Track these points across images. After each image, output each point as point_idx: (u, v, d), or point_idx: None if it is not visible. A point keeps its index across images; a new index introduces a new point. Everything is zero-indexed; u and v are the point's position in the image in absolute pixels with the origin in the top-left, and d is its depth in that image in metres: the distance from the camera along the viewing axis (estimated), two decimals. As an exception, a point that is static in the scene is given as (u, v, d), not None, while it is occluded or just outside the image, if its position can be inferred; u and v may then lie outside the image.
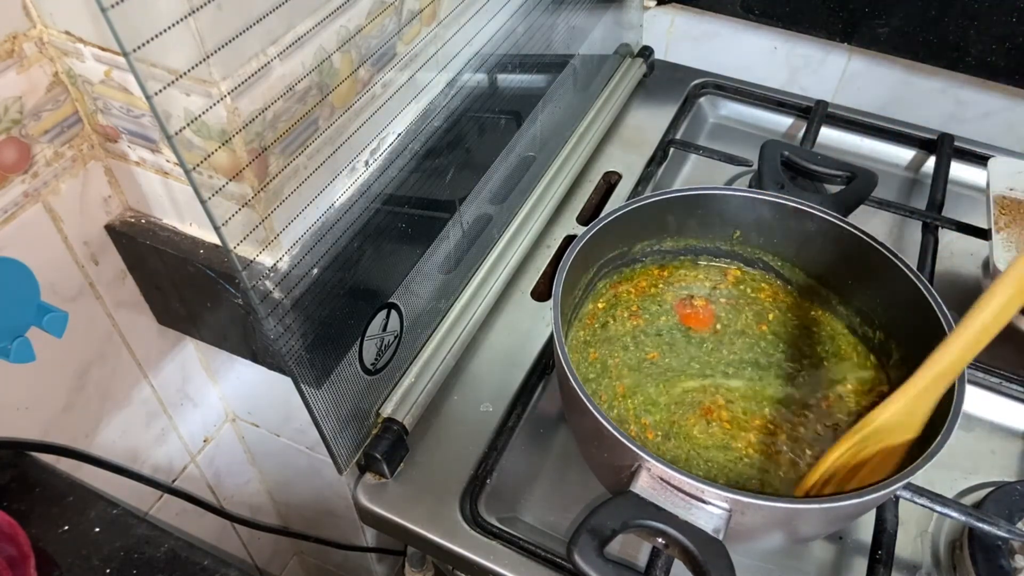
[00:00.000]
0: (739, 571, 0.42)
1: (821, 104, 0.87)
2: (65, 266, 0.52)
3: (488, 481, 0.59)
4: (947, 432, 0.46)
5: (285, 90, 0.44)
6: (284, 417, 0.71)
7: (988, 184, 0.73)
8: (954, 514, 0.53)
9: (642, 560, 0.55)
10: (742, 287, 0.65)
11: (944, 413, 0.47)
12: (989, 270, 0.67)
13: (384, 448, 0.58)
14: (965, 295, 0.73)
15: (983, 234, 0.72)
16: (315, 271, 0.49)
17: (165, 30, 0.35)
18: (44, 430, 0.55)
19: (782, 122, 0.91)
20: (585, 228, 0.57)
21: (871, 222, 0.77)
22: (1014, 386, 0.64)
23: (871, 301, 0.59)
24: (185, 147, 0.44)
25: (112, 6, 0.32)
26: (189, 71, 0.39)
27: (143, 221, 0.54)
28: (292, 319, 0.47)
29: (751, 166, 0.81)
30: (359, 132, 0.52)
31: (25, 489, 0.49)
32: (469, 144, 0.63)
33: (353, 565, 0.95)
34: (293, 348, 0.48)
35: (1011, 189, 0.72)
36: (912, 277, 0.54)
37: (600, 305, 0.63)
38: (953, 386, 0.47)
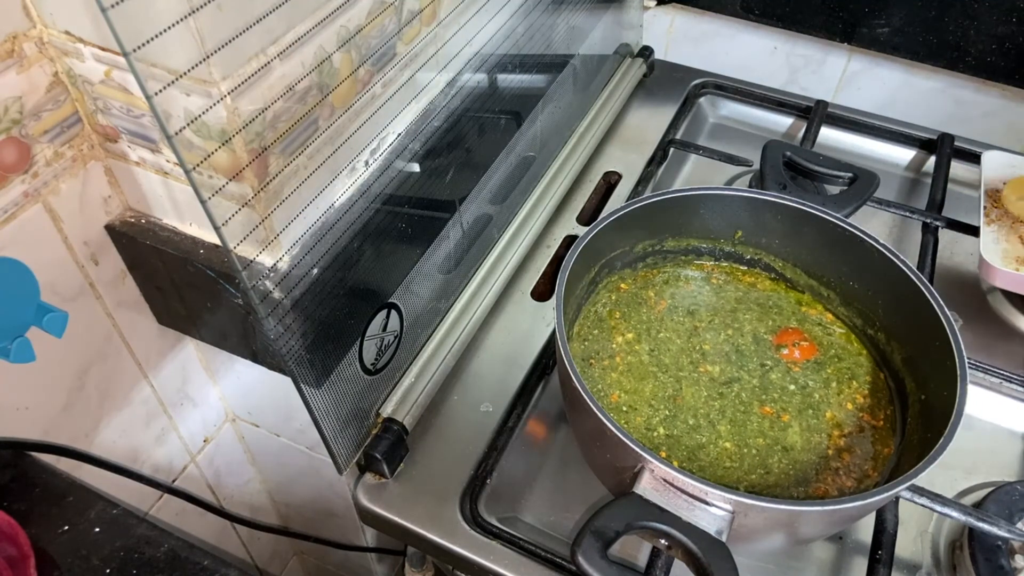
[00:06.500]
0: (740, 571, 0.42)
1: (821, 104, 0.87)
2: (65, 266, 0.52)
3: (488, 481, 0.59)
4: (950, 433, 0.46)
5: (285, 90, 0.44)
6: (284, 417, 0.71)
7: (981, 177, 0.73)
8: (954, 514, 0.53)
9: (642, 560, 0.55)
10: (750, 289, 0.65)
11: (946, 414, 0.47)
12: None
13: (384, 448, 0.58)
14: (965, 295, 0.73)
15: (982, 233, 0.72)
16: (315, 271, 0.49)
17: (165, 30, 0.35)
18: (44, 430, 0.55)
19: (782, 122, 0.91)
20: (587, 228, 0.57)
21: (871, 222, 0.77)
22: (1014, 386, 0.64)
23: (872, 301, 0.59)
24: (185, 147, 0.44)
25: (112, 6, 0.32)
26: (189, 71, 0.39)
27: (143, 221, 0.54)
28: (292, 319, 0.47)
29: (751, 166, 0.81)
30: (359, 132, 0.52)
31: (25, 489, 0.49)
32: (469, 144, 0.63)
33: (353, 565, 0.95)
34: (293, 348, 0.48)
35: (1004, 183, 0.72)
36: (912, 277, 0.54)
37: (601, 305, 0.63)
38: (955, 387, 0.47)
